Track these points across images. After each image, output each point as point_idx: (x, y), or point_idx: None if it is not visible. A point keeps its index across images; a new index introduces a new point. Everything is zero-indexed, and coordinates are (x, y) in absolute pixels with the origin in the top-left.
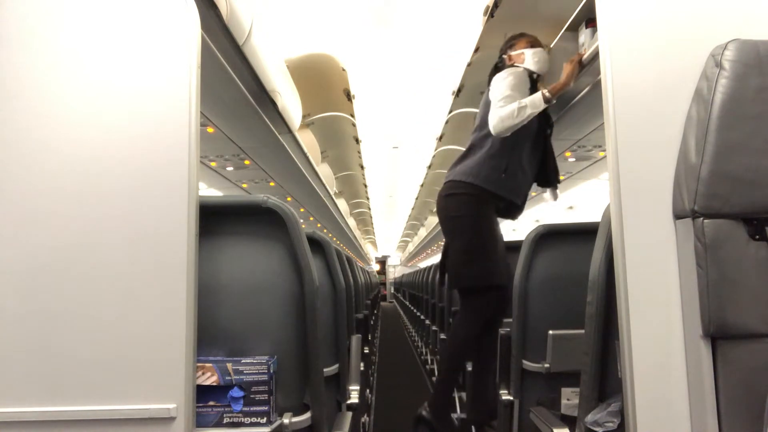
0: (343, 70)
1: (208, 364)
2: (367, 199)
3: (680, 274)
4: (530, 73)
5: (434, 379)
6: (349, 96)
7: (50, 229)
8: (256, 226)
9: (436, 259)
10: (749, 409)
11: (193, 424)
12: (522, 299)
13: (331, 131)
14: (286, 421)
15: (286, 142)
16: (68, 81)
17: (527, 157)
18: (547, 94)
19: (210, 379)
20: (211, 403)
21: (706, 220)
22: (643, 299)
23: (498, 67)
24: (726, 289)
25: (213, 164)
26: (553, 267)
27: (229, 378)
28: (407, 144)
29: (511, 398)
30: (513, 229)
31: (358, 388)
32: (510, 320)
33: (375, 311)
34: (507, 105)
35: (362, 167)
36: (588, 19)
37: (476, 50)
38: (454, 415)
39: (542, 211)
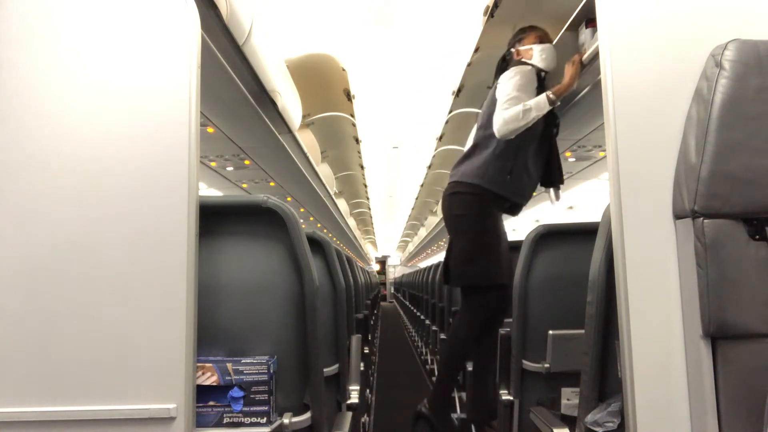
0: (343, 70)
1: (208, 364)
2: (367, 199)
3: (680, 274)
4: (538, 71)
5: (434, 378)
6: (349, 96)
7: (50, 229)
8: (256, 226)
9: (436, 259)
10: (749, 409)
11: (193, 424)
12: (522, 299)
13: (331, 131)
14: (286, 421)
15: (286, 142)
16: (68, 81)
17: (533, 158)
18: (552, 96)
19: (210, 379)
20: (211, 403)
21: (706, 220)
22: (643, 299)
23: (506, 60)
24: (726, 289)
25: (213, 164)
26: (553, 267)
27: (229, 378)
28: (407, 144)
29: (511, 398)
30: (513, 229)
31: (358, 388)
32: (510, 320)
33: (375, 311)
34: (511, 107)
35: (362, 167)
36: (588, 19)
37: (476, 50)
38: (454, 415)
39: (542, 211)
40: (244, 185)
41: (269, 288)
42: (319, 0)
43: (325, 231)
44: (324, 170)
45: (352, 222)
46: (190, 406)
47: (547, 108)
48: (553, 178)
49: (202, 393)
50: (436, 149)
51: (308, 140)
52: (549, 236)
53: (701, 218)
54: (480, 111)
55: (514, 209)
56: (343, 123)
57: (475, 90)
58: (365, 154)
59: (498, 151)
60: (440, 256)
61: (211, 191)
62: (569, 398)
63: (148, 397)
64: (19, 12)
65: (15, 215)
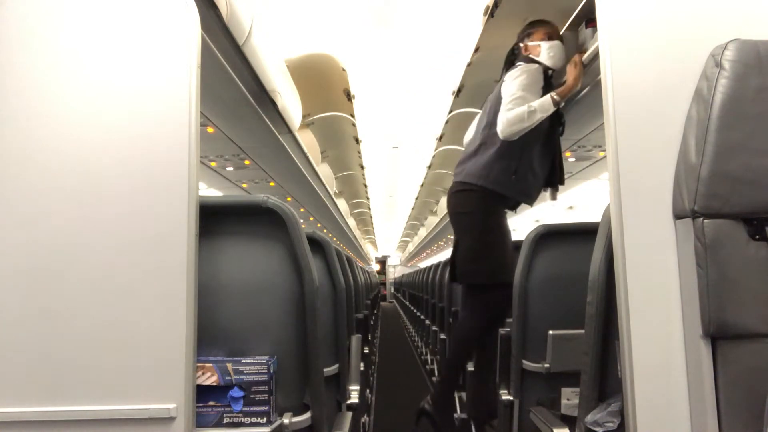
0: (343, 70)
1: (208, 364)
2: (367, 199)
3: (680, 274)
4: (545, 69)
5: (434, 379)
6: (349, 96)
7: (50, 229)
8: (256, 226)
9: (436, 259)
10: (749, 409)
11: (193, 424)
12: (522, 299)
13: (331, 131)
14: (286, 421)
15: (286, 142)
16: (68, 81)
17: (538, 158)
18: (556, 97)
19: (210, 379)
20: (211, 403)
21: (706, 220)
22: (643, 299)
23: (514, 53)
24: (726, 289)
25: (213, 164)
26: (553, 267)
27: (229, 378)
28: (407, 144)
29: (511, 398)
30: (513, 229)
31: (358, 388)
32: (510, 320)
33: (375, 311)
34: (516, 107)
35: (362, 167)
36: (588, 19)
37: (476, 50)
38: (454, 415)
39: (542, 211)
40: (244, 185)
41: (269, 288)
42: (319, 0)
43: (325, 231)
44: (324, 170)
45: (352, 222)
46: (190, 406)
47: (552, 109)
48: (553, 178)
49: (202, 393)
50: (436, 149)
51: (308, 140)
52: (549, 236)
53: (701, 218)
54: (480, 110)
55: (515, 205)
56: (343, 123)
57: (475, 90)
58: (365, 154)
59: (502, 151)
60: (440, 256)
61: (211, 191)
62: (569, 398)
63: (148, 397)
64: (19, 12)
65: (15, 215)
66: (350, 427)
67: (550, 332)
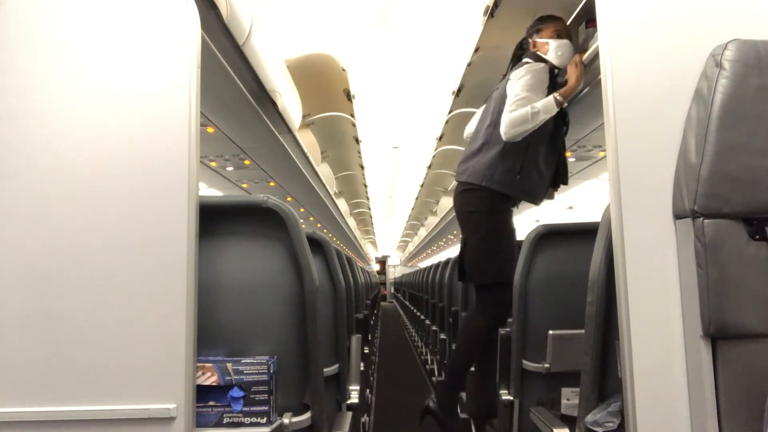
0: (343, 70)
1: (208, 364)
2: (367, 199)
3: (680, 274)
4: (551, 67)
5: (434, 379)
6: (349, 96)
7: (50, 229)
8: (256, 226)
9: (436, 259)
10: (749, 409)
11: (193, 424)
12: (522, 299)
13: (331, 131)
14: (286, 421)
15: (286, 142)
16: (68, 81)
17: (543, 157)
18: (559, 98)
19: (210, 379)
20: (211, 403)
21: (706, 220)
22: (643, 299)
23: (522, 47)
24: (726, 289)
25: (213, 164)
26: (553, 267)
27: (229, 378)
28: (407, 144)
29: (511, 398)
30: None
31: (358, 388)
32: (510, 320)
33: (375, 311)
34: (519, 108)
35: (362, 167)
36: (588, 19)
37: (476, 50)
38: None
39: (542, 211)
40: (244, 185)
41: (269, 288)
42: (319, 0)
43: (325, 231)
44: (324, 170)
45: (352, 222)
46: (190, 406)
47: (555, 110)
48: (557, 177)
49: (202, 393)
50: (436, 149)
51: (308, 140)
52: (549, 236)
53: (701, 218)
54: (482, 107)
55: (517, 203)
56: (343, 123)
57: (475, 90)
58: (365, 154)
59: (506, 151)
60: (440, 256)
61: (211, 191)
62: (569, 398)
63: (148, 397)
64: (19, 12)
65: (15, 215)
66: (350, 427)
67: (550, 332)
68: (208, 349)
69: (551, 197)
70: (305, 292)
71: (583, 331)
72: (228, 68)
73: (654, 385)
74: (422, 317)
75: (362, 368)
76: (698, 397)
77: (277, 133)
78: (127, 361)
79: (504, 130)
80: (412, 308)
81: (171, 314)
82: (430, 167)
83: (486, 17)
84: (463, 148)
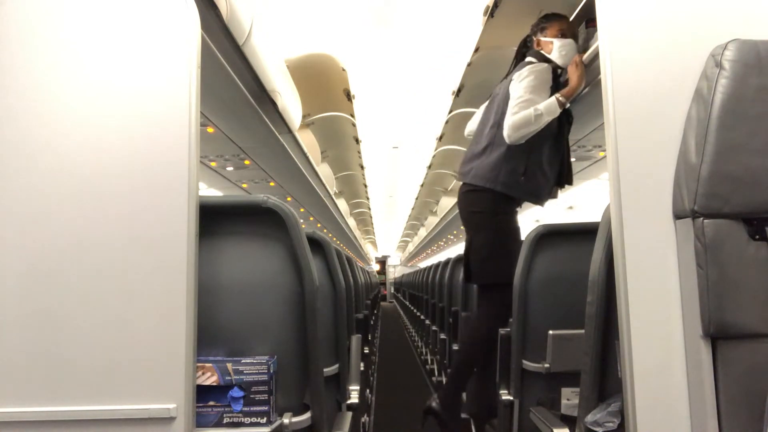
0: (343, 70)
1: (208, 364)
2: (367, 199)
3: (680, 274)
4: (555, 66)
5: (434, 379)
6: (349, 96)
7: (50, 229)
8: (256, 226)
9: (436, 259)
10: (749, 409)
11: (193, 424)
12: (522, 299)
13: (331, 131)
14: (286, 421)
15: (286, 142)
16: (68, 81)
17: (547, 158)
18: (562, 99)
19: (210, 379)
20: (211, 403)
21: (706, 220)
22: (643, 299)
23: (527, 45)
24: (726, 289)
25: (213, 164)
26: (553, 267)
27: (229, 378)
28: (407, 144)
29: (511, 398)
30: None
31: (358, 388)
32: (510, 320)
33: (375, 311)
34: (521, 111)
35: (362, 167)
36: (588, 19)
37: (476, 50)
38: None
39: (542, 210)
40: (244, 185)
41: (269, 288)
42: (319, 0)
43: (325, 231)
44: (324, 170)
45: (352, 222)
46: (190, 406)
47: (558, 111)
48: (561, 178)
49: (202, 393)
50: (436, 149)
51: (308, 140)
52: (549, 236)
53: (701, 218)
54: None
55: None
56: (343, 123)
57: (475, 90)
58: (365, 154)
59: (510, 152)
60: (440, 256)
61: (211, 191)
62: (569, 398)
63: (148, 397)
64: (19, 12)
65: (15, 215)
66: (350, 427)
67: (550, 332)
68: (208, 349)
69: (555, 196)
70: (305, 292)
71: (583, 331)
72: (228, 68)
73: (654, 385)
74: (422, 317)
75: (362, 368)
76: (698, 397)
77: (277, 133)
78: (127, 361)
79: (507, 133)
80: (412, 308)
81: (171, 314)
82: (430, 167)
83: (486, 17)
84: (463, 148)
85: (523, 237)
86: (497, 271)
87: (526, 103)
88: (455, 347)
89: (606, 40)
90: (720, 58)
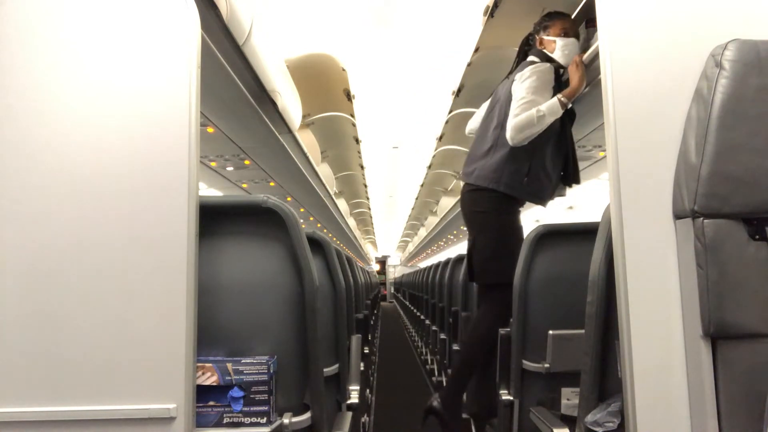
0: (343, 70)
1: (208, 364)
2: (367, 199)
3: (680, 274)
4: (557, 66)
5: (434, 379)
6: (349, 96)
7: (50, 229)
8: (256, 226)
9: (436, 259)
10: (749, 409)
11: (193, 424)
12: (522, 299)
13: (331, 131)
14: (286, 421)
15: (286, 142)
16: (68, 81)
17: (550, 158)
18: (564, 100)
19: (210, 379)
20: (211, 403)
21: (706, 220)
22: (643, 299)
23: (529, 43)
24: (726, 289)
25: (213, 164)
26: (553, 267)
27: (229, 378)
28: (407, 144)
29: (511, 398)
30: None
31: (358, 388)
32: (510, 320)
33: (375, 311)
34: (524, 112)
35: (362, 167)
36: (588, 19)
37: (476, 50)
38: (462, 415)
39: (542, 210)
40: (244, 185)
41: (269, 288)
42: (319, 0)
43: (325, 231)
44: (324, 170)
45: (352, 222)
46: (190, 406)
47: (560, 112)
48: (568, 176)
49: (202, 393)
50: (436, 149)
51: (308, 140)
52: (549, 236)
53: (701, 218)
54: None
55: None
56: (343, 123)
57: (475, 90)
58: (365, 154)
59: (513, 153)
60: (440, 256)
61: (211, 191)
62: (569, 398)
63: (148, 397)
64: (19, 12)
65: (15, 215)
66: (350, 427)
67: (550, 332)
68: (208, 349)
69: (563, 194)
70: (305, 292)
71: (583, 331)
72: (228, 68)
73: (654, 385)
74: (422, 317)
75: (362, 368)
76: (698, 397)
77: (277, 133)
78: (127, 361)
79: (510, 135)
80: (412, 308)
81: (171, 314)
82: (430, 167)
83: (486, 17)
84: (463, 148)
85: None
86: (500, 271)
87: (528, 104)
88: (455, 347)
89: (606, 40)
90: (720, 58)
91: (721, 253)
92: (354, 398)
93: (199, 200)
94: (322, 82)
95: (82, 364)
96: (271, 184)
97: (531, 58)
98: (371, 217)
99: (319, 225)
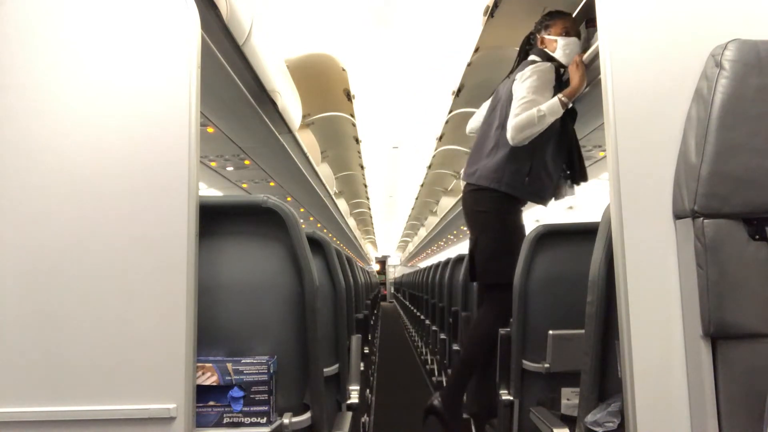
0: (343, 70)
1: (208, 364)
2: (367, 199)
3: (680, 274)
4: (558, 65)
5: (434, 379)
6: (349, 96)
7: (50, 229)
8: (256, 226)
9: (436, 259)
10: (749, 409)
11: (193, 424)
12: (522, 299)
13: (331, 131)
14: (286, 421)
15: (286, 142)
16: (68, 81)
17: (551, 157)
18: (564, 99)
19: (210, 379)
20: (211, 403)
21: (706, 220)
22: (643, 299)
23: (530, 42)
24: (726, 289)
25: (213, 164)
26: (553, 267)
27: (229, 378)
28: (407, 144)
29: (511, 398)
30: None
31: (358, 388)
32: (510, 320)
33: (375, 311)
34: (524, 112)
35: (362, 167)
36: (588, 19)
37: (476, 50)
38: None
39: (542, 210)
40: (244, 185)
41: (269, 288)
42: (319, 0)
43: (325, 231)
44: (324, 170)
45: (352, 222)
46: (190, 406)
47: (560, 112)
48: (574, 174)
49: (202, 393)
50: (436, 149)
51: (308, 140)
52: (549, 236)
53: (701, 218)
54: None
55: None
56: (343, 123)
57: (475, 90)
58: (365, 154)
59: (514, 153)
60: (440, 256)
61: (211, 191)
62: (569, 398)
63: (148, 397)
64: (19, 12)
65: (15, 215)
66: (350, 427)
67: (550, 332)
68: (208, 349)
69: (572, 193)
70: (305, 292)
71: (583, 331)
72: (228, 68)
73: (654, 385)
74: (422, 317)
75: (362, 368)
76: (698, 397)
77: (277, 133)
78: (127, 361)
79: (511, 135)
80: (412, 308)
81: (171, 314)
82: (430, 167)
83: (486, 17)
84: (463, 148)
85: None
86: (501, 271)
87: (529, 104)
88: (455, 347)
89: (606, 40)
90: (720, 58)
91: (721, 253)
92: (354, 398)
93: (199, 200)
94: (322, 82)
95: (82, 364)
96: (271, 184)
97: (532, 57)
98: (371, 217)
99: (319, 225)
